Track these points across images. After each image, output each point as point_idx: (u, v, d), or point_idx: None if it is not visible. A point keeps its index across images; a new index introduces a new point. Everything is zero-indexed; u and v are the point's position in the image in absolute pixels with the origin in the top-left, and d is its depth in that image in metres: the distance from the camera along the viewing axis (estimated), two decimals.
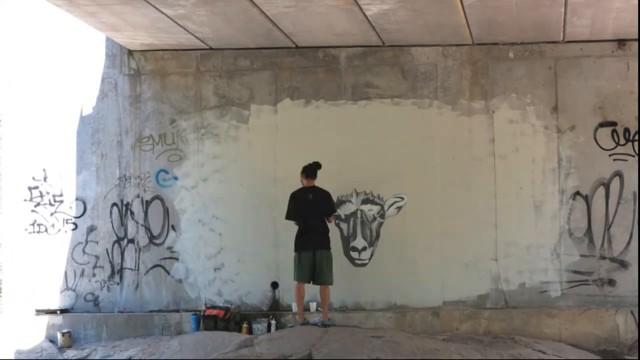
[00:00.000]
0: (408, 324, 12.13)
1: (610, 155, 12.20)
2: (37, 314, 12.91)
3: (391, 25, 11.71)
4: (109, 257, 13.04)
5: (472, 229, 12.36)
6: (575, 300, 12.15)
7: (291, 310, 12.48)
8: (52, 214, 13.16)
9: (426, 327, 12.10)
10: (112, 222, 13.08)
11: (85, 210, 13.13)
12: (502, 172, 12.37)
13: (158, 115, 13.09)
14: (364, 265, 12.57)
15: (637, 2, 10.66)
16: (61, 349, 12.46)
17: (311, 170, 11.77)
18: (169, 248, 12.96)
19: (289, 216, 11.83)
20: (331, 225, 12.10)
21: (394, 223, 12.54)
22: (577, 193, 12.24)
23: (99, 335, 12.65)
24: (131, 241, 13.03)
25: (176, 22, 11.68)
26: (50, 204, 13.17)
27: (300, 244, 11.67)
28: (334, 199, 12.42)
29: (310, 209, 11.65)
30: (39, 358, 12.22)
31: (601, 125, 12.24)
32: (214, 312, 12.19)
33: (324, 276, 11.65)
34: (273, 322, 12.23)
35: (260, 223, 12.77)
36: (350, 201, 12.63)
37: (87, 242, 13.07)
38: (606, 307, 11.96)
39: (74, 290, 13.02)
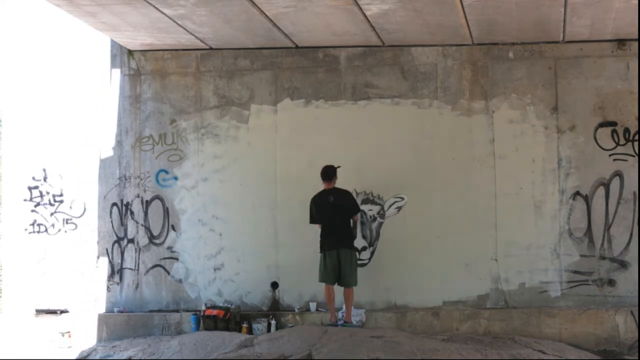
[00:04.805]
0: (408, 324, 12.14)
1: (610, 155, 12.20)
2: (37, 314, 12.92)
3: (391, 25, 11.71)
4: (109, 257, 13.05)
5: (472, 229, 12.36)
6: (575, 300, 12.15)
7: (292, 310, 12.49)
8: (52, 214, 13.17)
9: (426, 327, 12.11)
10: (112, 222, 13.09)
11: (85, 210, 13.13)
12: (502, 172, 12.37)
13: (158, 115, 13.09)
14: (363, 265, 12.54)
15: (637, 2, 10.66)
16: (61, 349, 12.46)
17: (326, 173, 11.95)
18: (169, 248, 12.97)
19: (312, 220, 12.01)
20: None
21: (394, 223, 12.54)
22: (577, 193, 12.24)
23: (99, 335, 12.66)
24: (131, 241, 13.03)
25: (176, 22, 11.68)
26: (50, 204, 13.18)
27: (325, 244, 11.81)
28: None
29: (332, 211, 11.80)
30: (40, 358, 12.22)
31: (601, 125, 12.24)
32: (214, 312, 12.19)
33: (347, 277, 11.76)
34: (273, 322, 12.24)
35: (260, 223, 12.78)
36: None
37: (86, 242, 13.07)
38: (606, 307, 11.96)
39: (73, 290, 13.01)
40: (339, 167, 12.01)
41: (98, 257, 13.06)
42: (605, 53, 12.27)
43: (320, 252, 11.84)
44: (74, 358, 12.06)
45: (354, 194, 12.54)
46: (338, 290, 11.97)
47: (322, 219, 11.88)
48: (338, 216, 11.83)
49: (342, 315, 11.97)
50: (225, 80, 12.99)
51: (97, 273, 13.04)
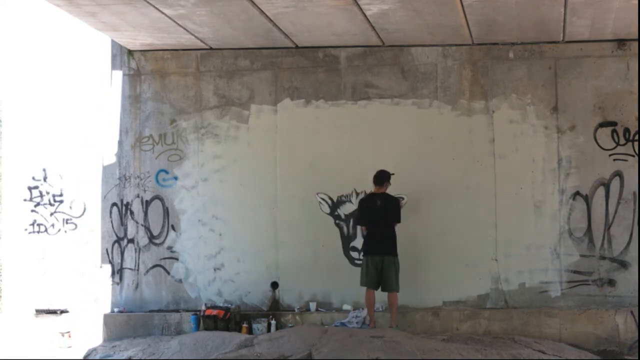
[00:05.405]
0: (408, 324, 12.13)
1: (610, 155, 12.20)
2: (37, 314, 12.91)
3: (391, 25, 11.71)
4: (109, 257, 13.05)
5: (472, 229, 12.36)
6: (575, 300, 12.15)
7: (292, 310, 12.49)
8: (52, 214, 13.17)
9: (426, 327, 12.11)
10: (112, 222, 13.08)
11: (85, 210, 13.13)
12: (502, 172, 12.37)
13: (158, 115, 13.09)
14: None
15: (637, 2, 10.67)
16: (61, 349, 12.46)
17: (378, 177, 11.87)
18: (169, 248, 12.97)
19: (359, 222, 12.01)
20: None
21: None
22: (577, 193, 12.24)
23: (99, 335, 12.65)
24: (131, 241, 13.03)
25: (176, 22, 11.68)
26: (50, 204, 13.17)
27: (369, 249, 11.75)
28: (334, 198, 12.44)
29: (377, 215, 11.73)
30: (40, 358, 12.22)
31: (601, 125, 12.24)
32: (214, 312, 12.19)
33: (390, 283, 11.70)
34: (273, 322, 12.24)
35: (260, 223, 12.78)
36: (350, 201, 12.62)
37: (86, 242, 13.07)
38: (606, 307, 11.96)
39: (73, 290, 13.01)
40: (394, 174, 11.92)
41: (98, 257, 13.06)
42: (605, 53, 12.27)
43: (364, 256, 11.77)
44: (74, 358, 12.05)
45: (354, 194, 12.55)
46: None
47: (368, 222, 11.82)
48: (383, 221, 11.75)
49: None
50: (225, 80, 12.99)
51: (97, 273, 13.04)
